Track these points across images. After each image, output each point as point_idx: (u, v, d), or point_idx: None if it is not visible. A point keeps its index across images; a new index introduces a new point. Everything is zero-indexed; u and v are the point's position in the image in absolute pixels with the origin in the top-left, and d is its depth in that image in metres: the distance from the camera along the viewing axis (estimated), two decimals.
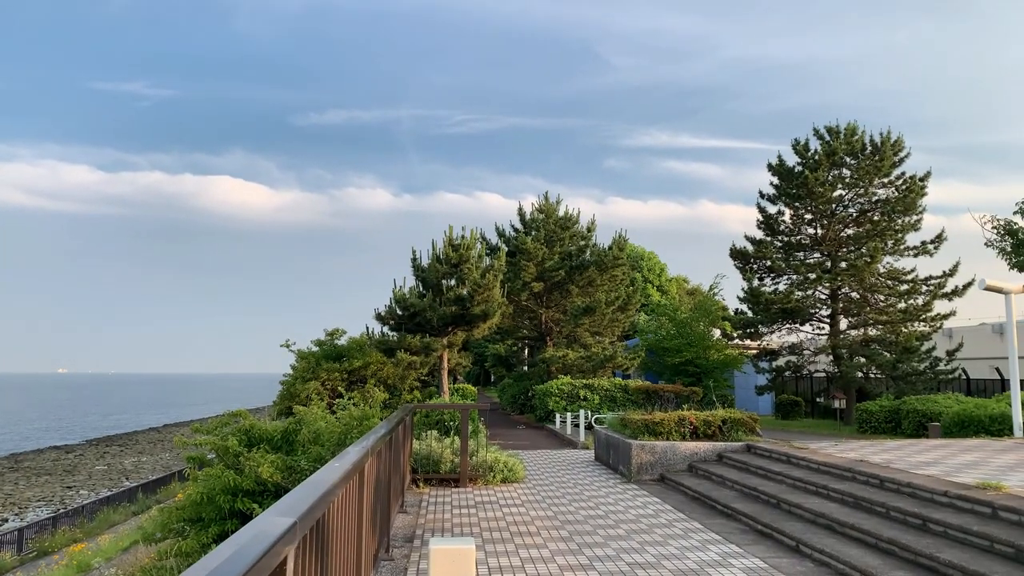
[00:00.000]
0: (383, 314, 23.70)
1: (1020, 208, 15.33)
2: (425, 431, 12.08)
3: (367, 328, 23.71)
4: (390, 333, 23.59)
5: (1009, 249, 14.96)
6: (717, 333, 29.29)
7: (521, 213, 32.01)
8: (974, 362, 27.34)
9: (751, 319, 27.17)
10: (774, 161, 27.39)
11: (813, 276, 25.77)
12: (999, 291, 14.83)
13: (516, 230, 31.72)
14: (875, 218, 26.17)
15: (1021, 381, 14.57)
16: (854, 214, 26.80)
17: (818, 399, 28.66)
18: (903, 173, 26.14)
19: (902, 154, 26.15)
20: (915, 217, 25.97)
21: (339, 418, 10.18)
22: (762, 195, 28.17)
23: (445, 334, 23.62)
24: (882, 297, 26.14)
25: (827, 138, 26.44)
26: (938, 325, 25.76)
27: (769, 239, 28.00)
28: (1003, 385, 23.46)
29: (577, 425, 19.76)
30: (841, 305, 26.57)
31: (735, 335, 28.17)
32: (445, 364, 24.30)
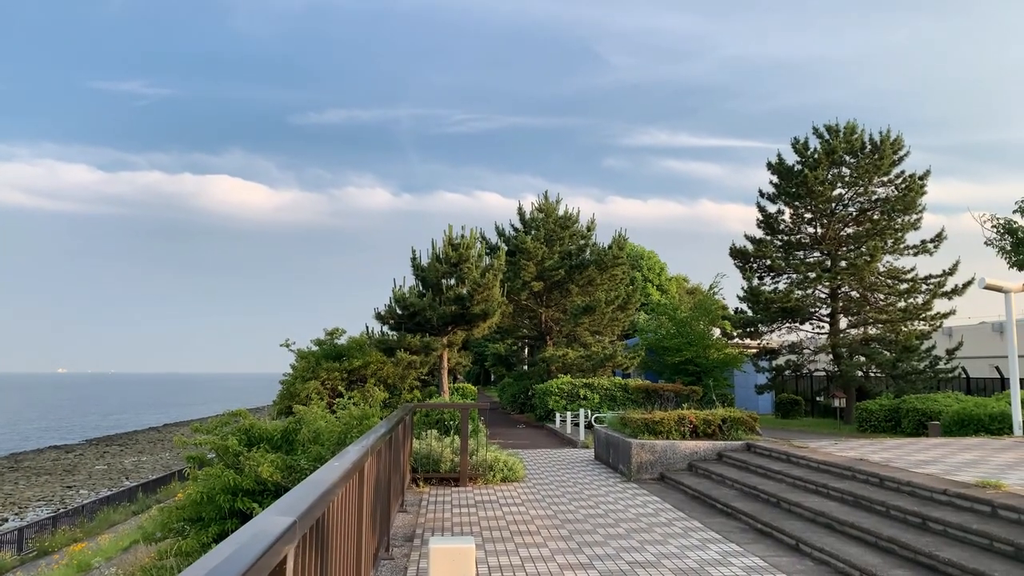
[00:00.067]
0: (383, 313, 23.71)
1: (1020, 207, 15.30)
2: (425, 430, 12.08)
3: (367, 327, 23.76)
4: (390, 332, 23.59)
5: (1009, 248, 14.92)
6: (717, 332, 29.31)
7: (521, 212, 32.02)
8: (974, 361, 27.31)
9: (751, 318, 27.15)
10: (774, 160, 27.36)
11: (813, 275, 25.74)
12: (999, 290, 14.85)
13: (516, 229, 31.73)
14: (875, 217, 26.15)
15: (1021, 380, 14.59)
16: (854, 213, 26.78)
17: (818, 398, 28.65)
18: (903, 172, 26.11)
19: (902, 153, 26.12)
20: (915, 216, 25.94)
21: (339, 417, 10.19)
22: (762, 194, 28.14)
23: (445, 333, 23.62)
24: (882, 296, 26.13)
25: (827, 137, 26.40)
26: (938, 324, 25.74)
27: (769, 238, 27.97)
28: (1003, 384, 23.45)
29: (577, 424, 19.77)
30: (841, 304, 26.55)
31: (735, 334, 28.15)
32: (445, 363, 24.31)
